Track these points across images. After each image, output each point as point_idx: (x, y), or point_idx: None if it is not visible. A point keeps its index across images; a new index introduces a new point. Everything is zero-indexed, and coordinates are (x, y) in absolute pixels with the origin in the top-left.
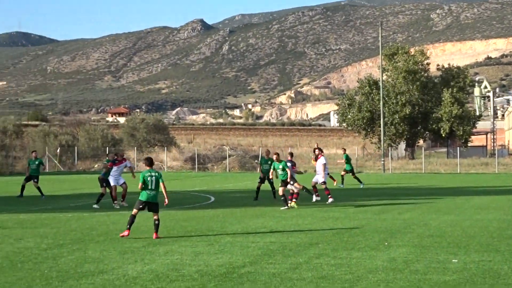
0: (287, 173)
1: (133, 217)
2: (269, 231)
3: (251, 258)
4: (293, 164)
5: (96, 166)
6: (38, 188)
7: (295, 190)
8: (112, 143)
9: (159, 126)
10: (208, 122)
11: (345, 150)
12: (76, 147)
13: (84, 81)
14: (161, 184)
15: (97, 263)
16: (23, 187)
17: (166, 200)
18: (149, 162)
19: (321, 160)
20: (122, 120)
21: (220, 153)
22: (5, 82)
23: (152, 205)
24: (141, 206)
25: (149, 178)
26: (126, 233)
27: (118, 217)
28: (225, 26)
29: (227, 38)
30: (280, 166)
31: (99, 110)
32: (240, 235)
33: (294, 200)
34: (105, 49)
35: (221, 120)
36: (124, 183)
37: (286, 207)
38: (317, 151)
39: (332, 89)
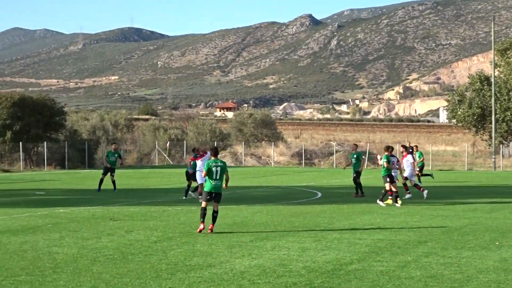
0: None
1: (204, 209)
2: (377, 228)
3: (359, 255)
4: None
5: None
6: (114, 182)
7: (387, 188)
8: (220, 137)
9: (267, 121)
10: (315, 118)
11: (417, 147)
12: (185, 141)
13: (193, 76)
14: (225, 174)
15: (205, 256)
16: (101, 181)
17: (225, 185)
18: (215, 152)
19: (409, 158)
20: (230, 114)
21: (327, 148)
22: (117, 77)
23: (216, 195)
24: (208, 197)
25: (214, 168)
26: (201, 226)
27: (226, 211)
28: (334, 21)
29: (335, 33)
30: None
31: (208, 105)
32: (347, 231)
33: (390, 197)
34: (214, 44)
35: (328, 116)
36: None
37: (381, 202)
38: (401, 149)
39: (441, 85)
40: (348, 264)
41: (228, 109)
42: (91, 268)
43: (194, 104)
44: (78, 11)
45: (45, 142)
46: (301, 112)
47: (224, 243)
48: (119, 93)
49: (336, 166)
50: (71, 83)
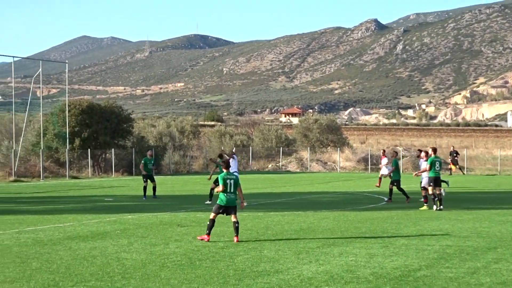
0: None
1: (212, 221)
2: (445, 234)
3: (427, 262)
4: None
5: (269, 166)
6: (154, 188)
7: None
8: (286, 143)
9: (332, 127)
10: (381, 123)
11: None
12: (250, 147)
13: (258, 82)
14: (238, 188)
15: (272, 262)
16: (145, 188)
17: (243, 203)
18: (227, 165)
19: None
20: (295, 120)
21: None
22: (183, 84)
23: (231, 209)
24: (220, 211)
25: (228, 181)
26: (206, 238)
27: (292, 217)
28: (399, 25)
29: (401, 38)
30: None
31: (273, 111)
32: (415, 237)
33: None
34: (280, 50)
35: (394, 121)
36: None
37: (426, 207)
38: (421, 153)
39: (509, 89)
40: (416, 271)
41: (294, 114)
42: (159, 273)
43: (259, 110)
44: (145, 19)
45: (112, 149)
46: (367, 117)
47: (291, 249)
48: (185, 99)
49: (402, 172)
50: (137, 90)
